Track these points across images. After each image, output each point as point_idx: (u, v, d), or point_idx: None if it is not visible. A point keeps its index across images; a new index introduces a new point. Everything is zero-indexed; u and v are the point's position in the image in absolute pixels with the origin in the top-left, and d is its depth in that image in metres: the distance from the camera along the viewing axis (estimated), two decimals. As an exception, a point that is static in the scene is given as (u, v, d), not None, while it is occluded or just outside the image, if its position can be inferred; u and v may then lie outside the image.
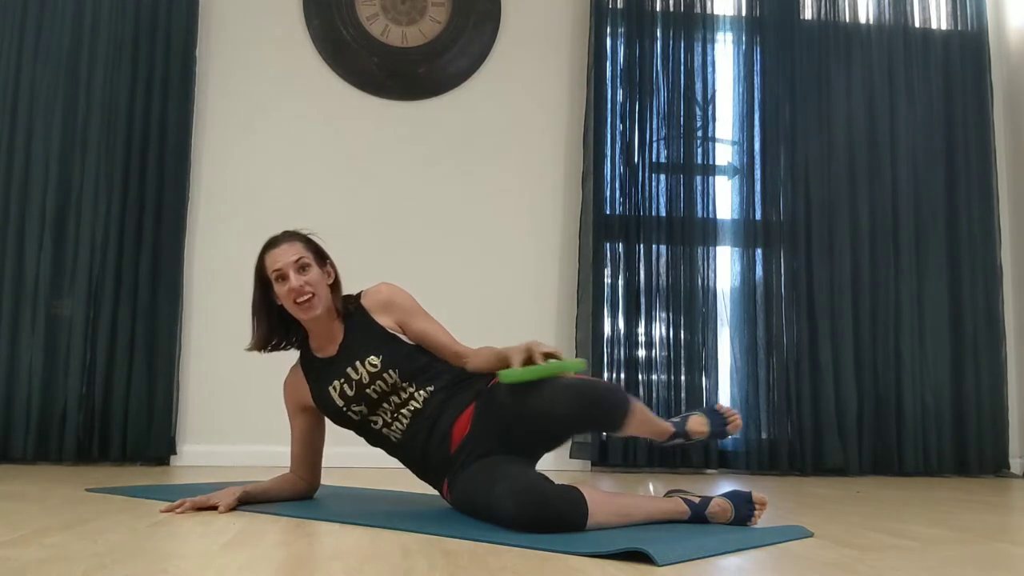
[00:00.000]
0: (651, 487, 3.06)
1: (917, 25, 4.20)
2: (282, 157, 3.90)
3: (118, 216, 3.68)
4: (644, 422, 2.05)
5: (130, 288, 3.64)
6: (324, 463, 2.37)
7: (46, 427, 3.52)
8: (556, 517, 1.73)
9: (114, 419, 3.56)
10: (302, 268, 2.16)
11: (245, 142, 3.90)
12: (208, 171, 3.86)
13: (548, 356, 1.97)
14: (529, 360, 1.96)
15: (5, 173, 3.66)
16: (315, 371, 2.24)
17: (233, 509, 2.09)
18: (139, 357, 3.61)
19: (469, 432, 2.07)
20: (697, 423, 2.19)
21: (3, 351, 3.56)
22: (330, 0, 3.96)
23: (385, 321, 2.22)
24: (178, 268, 3.69)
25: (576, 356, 3.75)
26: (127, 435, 3.55)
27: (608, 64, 4.02)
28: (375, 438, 2.21)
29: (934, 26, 4.22)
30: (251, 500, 2.18)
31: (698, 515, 1.93)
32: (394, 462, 2.25)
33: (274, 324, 2.25)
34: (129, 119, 3.73)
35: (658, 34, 4.05)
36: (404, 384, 2.14)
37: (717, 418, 2.21)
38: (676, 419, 2.21)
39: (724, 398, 3.90)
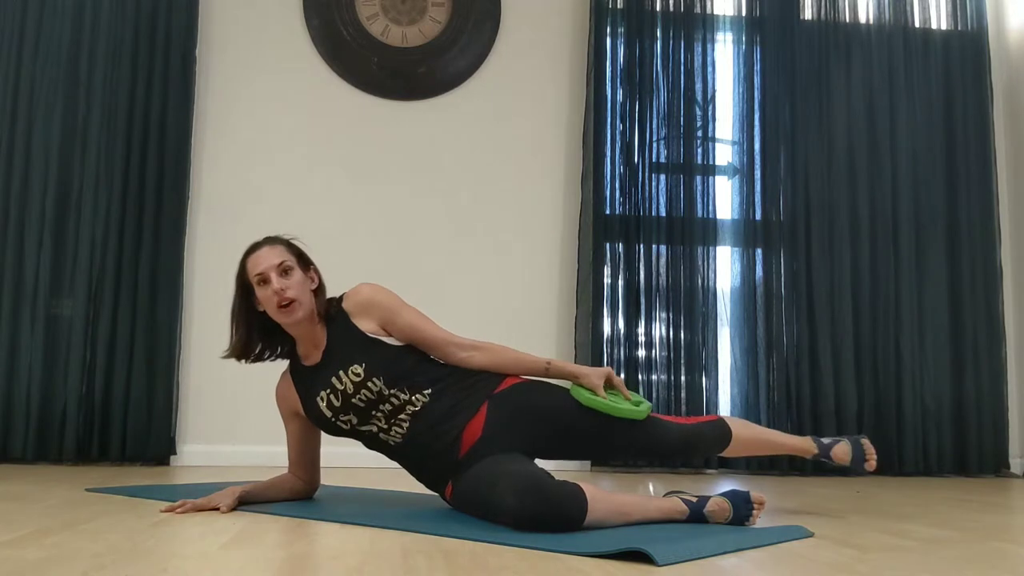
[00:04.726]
0: (651, 487, 3.07)
1: (917, 25, 4.20)
2: (282, 157, 3.90)
3: (118, 216, 3.67)
4: (750, 445, 2.31)
5: (130, 288, 3.64)
6: (324, 463, 2.37)
7: (46, 427, 3.52)
8: (556, 511, 1.74)
9: (114, 419, 3.56)
10: (284, 272, 2.12)
11: (245, 142, 3.90)
12: (208, 171, 3.86)
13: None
14: (606, 386, 2.16)
15: (5, 173, 3.66)
16: (303, 380, 2.20)
17: (233, 509, 2.09)
18: (139, 357, 3.60)
19: (482, 436, 2.05)
20: (842, 451, 2.37)
21: (3, 351, 3.56)
22: (330, 0, 3.96)
23: (367, 325, 2.16)
24: (178, 268, 3.69)
25: (575, 357, 3.76)
26: (127, 435, 3.55)
27: (608, 64, 4.02)
28: (370, 442, 2.18)
29: (934, 26, 4.22)
30: (251, 500, 2.18)
31: (696, 514, 1.93)
32: (394, 462, 2.24)
33: (254, 331, 2.19)
34: (129, 119, 3.73)
35: (658, 34, 4.05)
36: (392, 391, 2.08)
37: (859, 453, 2.36)
38: (826, 440, 2.40)
39: (724, 398, 3.90)
